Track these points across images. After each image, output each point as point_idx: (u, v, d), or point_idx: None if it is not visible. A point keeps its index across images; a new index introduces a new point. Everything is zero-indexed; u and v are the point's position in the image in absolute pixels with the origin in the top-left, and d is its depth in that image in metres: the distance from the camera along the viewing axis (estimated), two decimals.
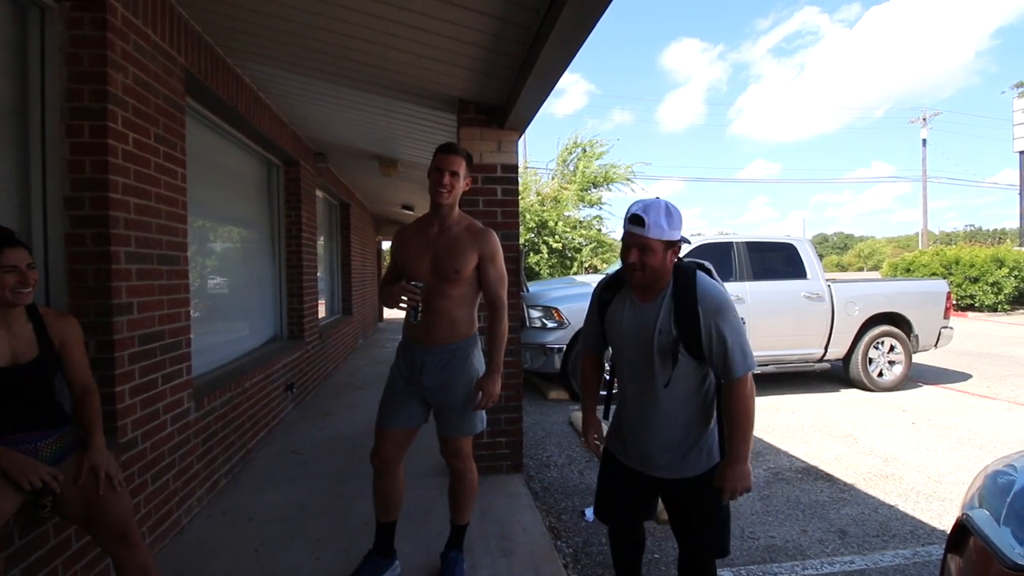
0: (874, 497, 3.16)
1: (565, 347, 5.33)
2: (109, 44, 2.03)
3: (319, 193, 6.36)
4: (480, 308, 2.13)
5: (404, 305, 1.97)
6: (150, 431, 2.32)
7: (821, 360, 5.73)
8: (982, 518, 1.33)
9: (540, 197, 14.10)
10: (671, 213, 1.50)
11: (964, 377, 6.48)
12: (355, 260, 8.61)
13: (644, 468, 1.64)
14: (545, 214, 13.47)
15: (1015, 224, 21.82)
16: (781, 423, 4.67)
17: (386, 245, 14.10)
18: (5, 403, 1.45)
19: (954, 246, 17.87)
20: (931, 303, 6.04)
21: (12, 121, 1.92)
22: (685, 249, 1.66)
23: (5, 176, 1.89)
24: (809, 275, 5.72)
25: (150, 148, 2.33)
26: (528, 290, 5.96)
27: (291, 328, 5.03)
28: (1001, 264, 14.34)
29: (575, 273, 13.16)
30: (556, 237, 13.28)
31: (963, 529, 1.38)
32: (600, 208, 14.65)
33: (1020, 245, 18.28)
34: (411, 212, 9.58)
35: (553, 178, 14.92)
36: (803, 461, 3.75)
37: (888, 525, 2.82)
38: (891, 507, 3.03)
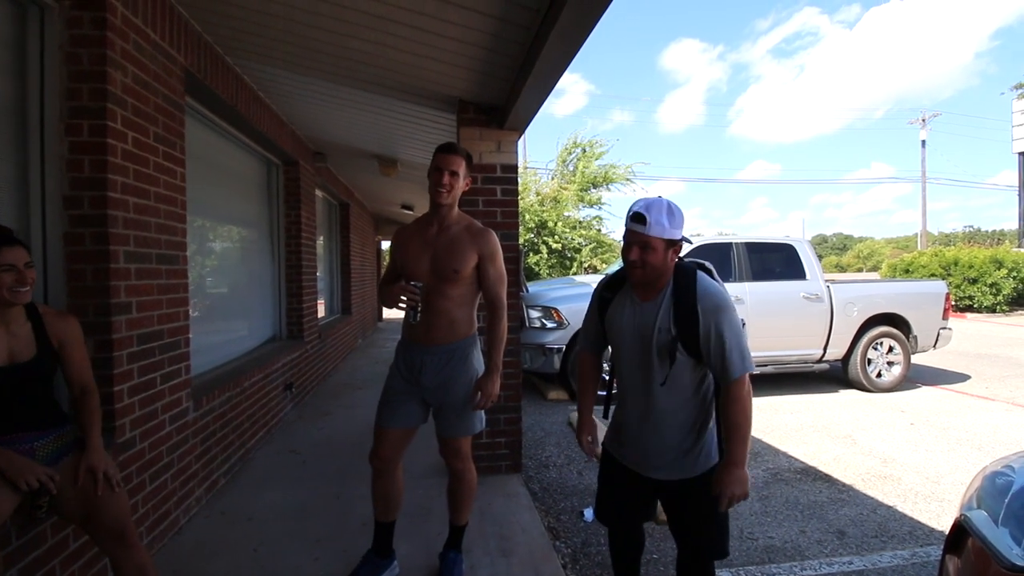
0: (873, 498, 3.17)
1: (564, 347, 5.33)
2: (109, 43, 2.03)
3: (319, 193, 6.36)
4: (479, 308, 2.13)
5: (403, 305, 1.97)
6: (148, 431, 2.32)
7: (820, 361, 5.73)
8: (980, 519, 1.33)
9: (540, 197, 14.10)
10: (673, 212, 1.50)
11: (963, 378, 6.49)
12: (354, 260, 8.61)
13: (643, 469, 1.64)
14: (545, 214, 13.47)
15: (1014, 225, 21.84)
16: (780, 423, 4.67)
17: (385, 245, 14.10)
18: (3, 403, 1.44)
19: (953, 247, 17.90)
20: (930, 304, 6.05)
21: (11, 120, 1.92)
22: (685, 249, 1.66)
23: (4, 175, 1.89)
24: (808, 276, 5.72)
25: (149, 147, 2.33)
26: (527, 290, 5.96)
27: (290, 328, 5.03)
28: (1000, 265, 14.36)
29: (574, 273, 13.16)
30: (556, 237, 13.28)
31: (961, 530, 1.38)
32: (600, 208, 14.67)
33: (1019, 246, 18.30)
34: (411, 212, 9.57)
35: (553, 178, 14.92)
36: (802, 462, 3.75)
37: (887, 526, 2.82)
38: (890, 508, 3.04)
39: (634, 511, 1.75)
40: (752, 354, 1.54)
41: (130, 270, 2.18)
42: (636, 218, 1.49)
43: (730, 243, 5.73)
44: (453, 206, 2.05)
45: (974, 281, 14.35)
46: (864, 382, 5.75)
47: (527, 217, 13.12)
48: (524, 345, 5.26)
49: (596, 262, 13.79)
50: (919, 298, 6.08)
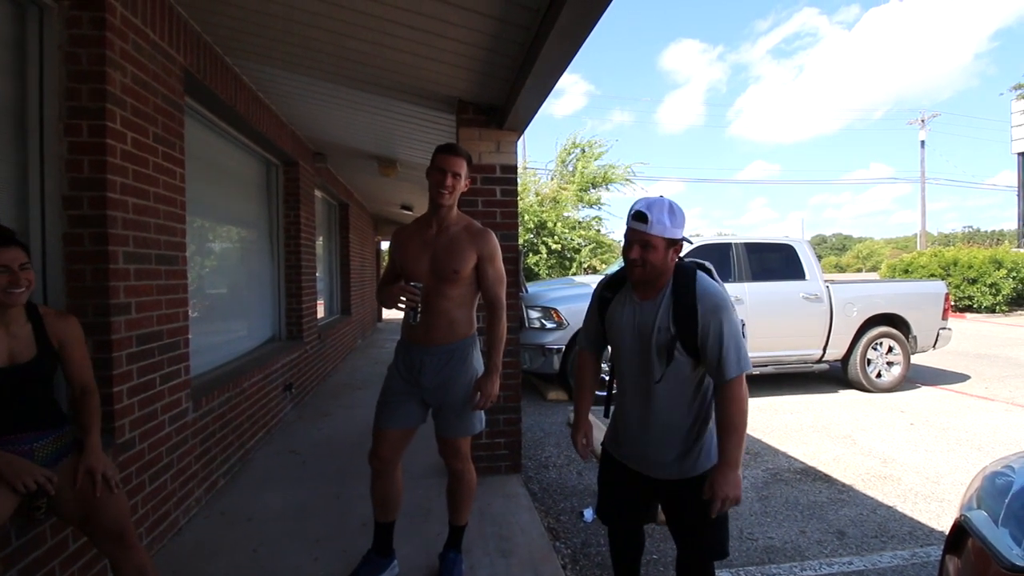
0: (872, 498, 3.17)
1: (564, 348, 5.33)
2: (108, 43, 2.03)
3: (318, 193, 6.36)
4: (479, 309, 2.13)
5: (403, 305, 1.97)
6: (148, 431, 2.31)
7: (820, 361, 5.73)
8: (980, 519, 1.33)
9: (539, 198, 14.10)
10: (674, 211, 1.51)
11: (962, 378, 6.49)
12: (354, 260, 8.60)
13: (642, 468, 1.64)
14: (544, 215, 13.47)
15: (1013, 225, 21.87)
16: (780, 424, 4.67)
17: (385, 245, 14.09)
18: (2, 403, 1.44)
19: (952, 247, 17.91)
20: (929, 304, 6.05)
21: (10, 120, 1.92)
22: (685, 249, 1.67)
23: (3, 175, 1.89)
24: (808, 276, 5.72)
25: (149, 148, 2.33)
26: (527, 291, 5.96)
27: (290, 328, 5.02)
28: (999, 265, 14.37)
29: (574, 274, 13.15)
30: (555, 238, 13.27)
31: (961, 530, 1.38)
32: (599, 208, 14.67)
33: (1018, 246, 18.31)
34: (410, 212, 9.57)
35: (552, 178, 14.92)
36: (801, 462, 3.75)
37: (886, 526, 2.82)
38: (889, 508, 3.04)
39: (634, 511, 1.74)
40: (752, 354, 1.54)
41: (129, 270, 2.18)
42: (638, 217, 1.50)
43: (729, 243, 5.73)
44: (453, 207, 2.05)
45: (973, 281, 14.36)
46: (864, 382, 5.75)
47: (526, 217, 13.12)
48: (523, 345, 5.26)
49: (595, 262, 13.78)
50: (918, 298, 6.08)
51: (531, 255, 13.16)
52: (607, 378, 1.87)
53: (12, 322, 1.48)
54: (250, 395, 3.62)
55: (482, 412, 2.12)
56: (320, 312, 6.51)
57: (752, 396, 5.64)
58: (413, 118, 3.93)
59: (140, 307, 2.26)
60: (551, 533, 2.68)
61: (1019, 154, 19.89)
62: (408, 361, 2.05)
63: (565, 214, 13.92)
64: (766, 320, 5.42)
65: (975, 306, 14.35)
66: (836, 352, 5.74)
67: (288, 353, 4.56)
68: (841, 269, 58.19)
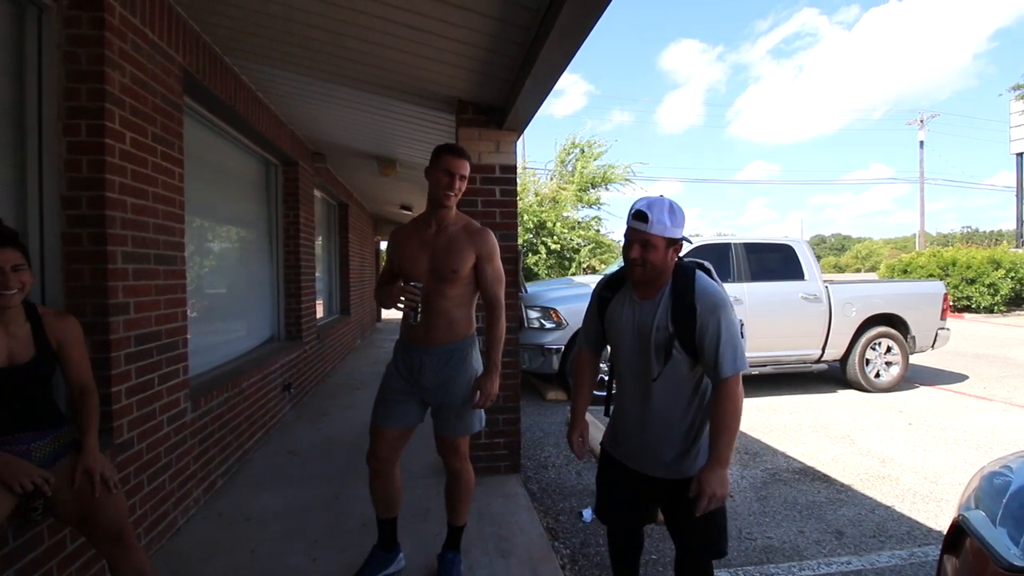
0: (871, 498, 3.17)
1: (563, 348, 5.33)
2: (107, 43, 2.02)
3: (317, 193, 6.35)
4: (478, 308, 2.13)
5: (403, 306, 1.97)
6: (146, 431, 2.31)
7: (818, 361, 5.74)
8: (978, 519, 1.34)
9: (539, 198, 14.11)
10: (674, 211, 1.52)
11: (961, 378, 6.50)
12: (353, 260, 8.60)
13: (641, 468, 1.64)
14: (544, 215, 13.47)
15: (1012, 226, 21.91)
16: (778, 424, 4.67)
17: (384, 245, 14.08)
18: (0, 403, 1.44)
19: (951, 248, 17.94)
20: (928, 304, 6.06)
21: (9, 120, 1.91)
22: (685, 249, 1.68)
23: (2, 175, 1.89)
24: (807, 276, 5.73)
25: (147, 147, 2.32)
26: (526, 291, 5.96)
27: (289, 328, 5.02)
28: (997, 266, 14.40)
29: (573, 274, 13.16)
30: (555, 238, 13.28)
31: (959, 530, 1.38)
32: (598, 208, 14.69)
33: (1017, 247, 18.35)
34: (409, 212, 9.57)
35: (551, 178, 14.93)
36: (800, 462, 3.76)
37: (885, 526, 2.83)
38: (888, 508, 3.04)
39: (633, 510, 1.74)
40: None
41: (128, 270, 2.18)
42: (638, 216, 1.51)
43: (729, 243, 5.74)
44: (454, 207, 2.06)
45: (972, 281, 14.39)
46: (862, 382, 5.76)
47: (526, 217, 13.12)
48: (523, 345, 5.26)
49: (595, 262, 13.80)
50: (917, 298, 6.09)
51: (530, 255, 13.17)
52: (607, 378, 1.87)
53: (11, 322, 1.47)
54: (249, 395, 3.61)
55: (482, 411, 2.12)
56: (319, 312, 6.51)
57: (751, 396, 5.68)
58: (413, 118, 3.93)
59: (139, 307, 2.26)
60: (550, 533, 2.68)
61: (1018, 154, 19.93)
62: (407, 361, 2.05)
63: (564, 214, 13.94)
64: (765, 320, 5.42)
65: (973, 306, 14.37)
66: (835, 352, 5.75)
67: (287, 353, 4.55)
68: (840, 269, 58.26)
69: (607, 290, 1.72)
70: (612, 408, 1.79)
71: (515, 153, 3.27)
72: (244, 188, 4.31)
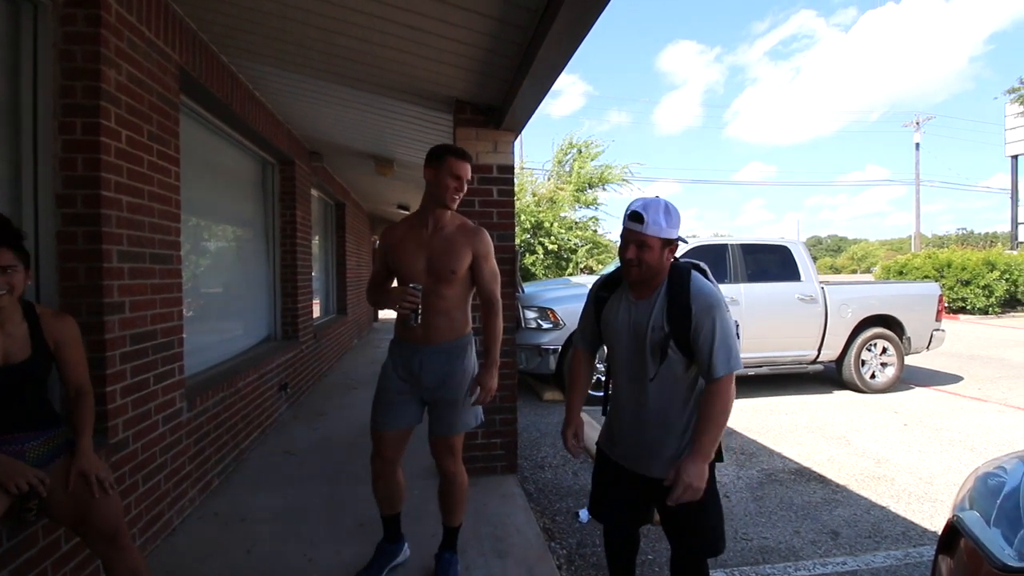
0: (866, 498, 3.18)
1: (560, 348, 5.33)
2: (103, 41, 2.01)
3: (314, 192, 6.34)
4: (474, 308, 2.13)
5: (406, 308, 1.96)
6: (141, 431, 2.30)
7: (814, 362, 5.76)
8: (973, 520, 1.34)
9: (536, 198, 14.10)
10: (670, 212, 1.52)
11: (956, 379, 6.53)
12: (350, 260, 8.58)
13: (636, 467, 1.65)
14: (541, 215, 13.47)
15: (1007, 228, 22.04)
16: (774, 424, 4.69)
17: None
18: None
19: (946, 249, 18.02)
20: (923, 305, 6.09)
21: (4, 118, 1.90)
22: (681, 249, 1.68)
23: None
24: (803, 277, 5.75)
25: (143, 146, 2.31)
26: (523, 291, 5.96)
27: (285, 328, 5.01)
28: (992, 267, 14.47)
29: (570, 274, 13.16)
30: (552, 238, 13.28)
31: (954, 530, 1.39)
32: (596, 209, 14.68)
33: (1011, 248, 18.45)
34: (407, 212, 9.56)
35: (549, 179, 14.92)
36: (796, 462, 3.77)
37: (880, 526, 2.84)
38: (883, 508, 3.05)
39: (629, 510, 1.75)
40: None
41: (123, 269, 2.17)
42: (634, 217, 1.52)
43: (725, 244, 5.76)
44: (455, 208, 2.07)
45: (967, 283, 14.46)
46: (858, 383, 5.78)
47: (523, 218, 13.12)
48: (520, 346, 5.26)
49: (592, 263, 13.80)
50: (912, 300, 6.12)
51: (528, 255, 13.16)
52: (604, 378, 1.88)
53: (7, 321, 1.47)
54: (245, 395, 3.60)
55: (479, 409, 2.12)
56: (316, 312, 6.49)
57: (747, 397, 5.69)
58: (411, 118, 3.92)
59: (134, 306, 2.25)
60: (547, 533, 2.68)
61: (1013, 157, 20.03)
62: (406, 361, 2.05)
63: (562, 214, 13.93)
64: (761, 321, 5.43)
65: (968, 308, 14.43)
66: (831, 353, 5.77)
67: (283, 353, 4.54)
68: (836, 270, 58.50)
69: (603, 290, 1.73)
70: (608, 408, 1.79)
71: (513, 153, 3.27)
72: (241, 187, 4.30)
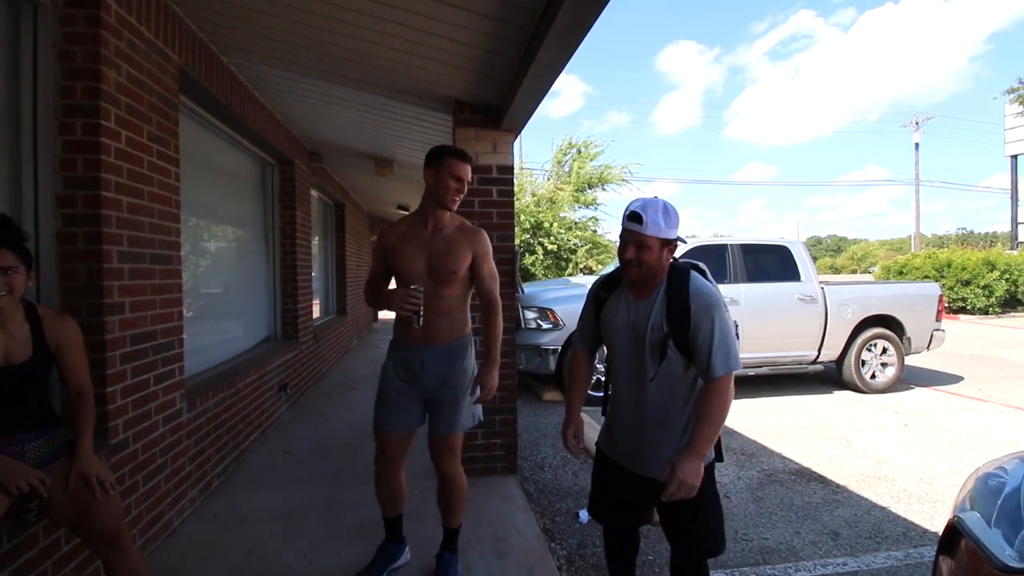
0: (867, 499, 3.18)
1: (560, 348, 5.33)
2: (102, 41, 2.02)
3: (314, 193, 6.34)
4: (473, 309, 2.13)
5: (408, 310, 1.96)
6: (141, 432, 2.30)
7: (814, 362, 5.76)
8: (973, 520, 1.34)
9: (536, 198, 14.11)
10: (668, 212, 1.53)
11: (956, 379, 6.53)
12: (350, 260, 8.58)
13: (635, 467, 1.65)
14: (540, 215, 13.47)
15: (1006, 228, 22.05)
16: (775, 424, 4.68)
17: None
18: None
19: (946, 249, 18.02)
20: (923, 306, 6.08)
21: (4, 119, 1.90)
22: (680, 249, 1.69)
23: None
24: (803, 277, 5.75)
25: (143, 146, 2.31)
26: (523, 291, 5.96)
27: (285, 328, 5.01)
28: (992, 267, 14.47)
29: (570, 274, 13.16)
30: (551, 238, 13.28)
31: (954, 531, 1.39)
32: (595, 209, 14.69)
33: (1011, 248, 18.45)
34: (406, 212, 9.56)
35: (548, 179, 14.93)
36: (796, 463, 3.77)
37: (880, 527, 2.83)
38: (883, 509, 3.05)
39: (628, 509, 1.75)
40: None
41: (123, 270, 2.17)
42: (633, 217, 1.52)
43: (725, 245, 5.76)
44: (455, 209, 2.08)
45: (967, 283, 14.46)
46: (858, 383, 5.78)
47: (523, 218, 13.12)
48: (520, 346, 5.26)
49: (592, 263, 13.80)
50: (912, 300, 6.12)
51: (527, 256, 13.16)
52: (603, 378, 1.88)
53: (8, 321, 1.46)
54: (245, 395, 3.60)
55: (479, 408, 2.12)
56: (316, 312, 6.49)
57: (747, 397, 5.69)
58: (410, 118, 3.92)
59: (134, 307, 2.25)
60: (547, 534, 2.68)
61: (1012, 157, 20.04)
62: (407, 362, 2.05)
63: (561, 214, 13.93)
64: (761, 321, 5.43)
65: (968, 308, 14.44)
66: (831, 353, 5.77)
67: (283, 353, 4.54)
68: (836, 270, 58.50)
69: (603, 290, 1.73)
70: (608, 408, 1.79)
71: (512, 154, 3.27)
72: (240, 187, 4.30)
